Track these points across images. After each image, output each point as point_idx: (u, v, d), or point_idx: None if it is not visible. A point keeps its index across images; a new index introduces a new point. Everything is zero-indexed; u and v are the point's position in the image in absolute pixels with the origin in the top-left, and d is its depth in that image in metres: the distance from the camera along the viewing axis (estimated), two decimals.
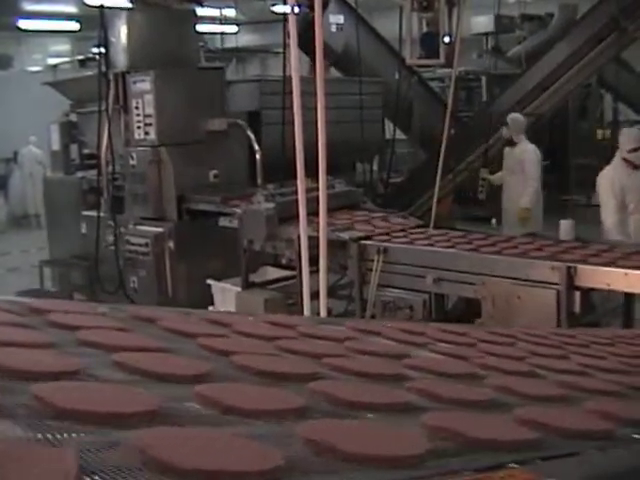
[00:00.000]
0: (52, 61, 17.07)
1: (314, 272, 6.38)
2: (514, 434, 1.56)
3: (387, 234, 6.11)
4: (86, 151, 9.86)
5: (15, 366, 2.02)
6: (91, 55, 11.50)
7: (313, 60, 7.27)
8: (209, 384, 2.05)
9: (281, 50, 13.44)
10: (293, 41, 4.31)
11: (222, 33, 17.51)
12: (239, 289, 6.61)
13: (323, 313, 4.23)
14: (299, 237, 6.13)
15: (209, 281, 6.90)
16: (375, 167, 11.60)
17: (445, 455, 1.44)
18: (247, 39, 18.41)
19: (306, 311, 4.27)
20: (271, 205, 6.54)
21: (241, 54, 18.27)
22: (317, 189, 4.70)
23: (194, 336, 2.75)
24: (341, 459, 1.42)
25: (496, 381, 2.13)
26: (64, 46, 19.40)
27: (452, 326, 3.27)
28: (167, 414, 1.75)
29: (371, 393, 1.98)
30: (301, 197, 4.41)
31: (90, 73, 9.29)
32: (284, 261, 6.62)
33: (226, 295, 6.71)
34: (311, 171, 4.50)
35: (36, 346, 2.32)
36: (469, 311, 5.86)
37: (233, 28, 18.61)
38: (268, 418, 1.79)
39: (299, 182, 4.38)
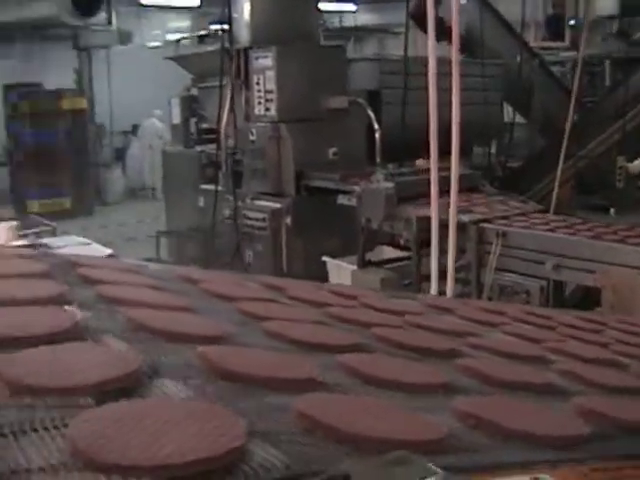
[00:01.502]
0: (170, 37, 17.32)
1: (427, 254, 6.37)
2: None
3: (506, 218, 6.03)
4: (204, 125, 10.00)
5: (180, 330, 2.06)
6: (210, 31, 11.62)
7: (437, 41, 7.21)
8: (356, 354, 2.06)
9: (399, 30, 13.38)
10: (430, 22, 4.26)
11: (341, 11, 17.51)
12: (355, 267, 6.62)
13: (450, 293, 4.21)
14: (418, 218, 6.12)
15: (325, 258, 6.93)
16: (492, 150, 11.45)
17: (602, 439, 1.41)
18: (365, 18, 18.34)
19: (433, 291, 4.26)
20: (391, 184, 6.52)
21: (359, 33, 18.24)
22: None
23: (326, 305, 2.77)
24: (501, 435, 1.40)
25: (564, 366, 2.09)
26: (183, 22, 19.66)
27: (539, 309, 3.22)
28: (323, 383, 1.76)
29: (516, 372, 1.96)
30: (434, 177, 4.38)
31: (211, 48, 9.39)
32: (401, 241, 6.59)
33: (341, 273, 6.72)
34: (428, 152, 4.48)
35: (189, 311, 2.37)
36: (587, 299, 5.75)
37: (352, 7, 18.60)
38: (418, 391, 1.80)
39: (432, 163, 4.35)
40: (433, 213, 4.55)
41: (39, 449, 1.39)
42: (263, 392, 1.67)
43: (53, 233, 5.75)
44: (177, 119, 10.17)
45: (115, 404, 1.51)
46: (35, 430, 1.41)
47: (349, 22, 17.84)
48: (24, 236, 4.72)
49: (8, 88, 16.17)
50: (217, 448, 1.26)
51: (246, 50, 8.20)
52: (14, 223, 3.87)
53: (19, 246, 3.28)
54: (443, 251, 4.83)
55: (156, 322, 2.13)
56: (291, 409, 1.50)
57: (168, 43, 16.61)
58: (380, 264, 6.81)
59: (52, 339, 1.82)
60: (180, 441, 1.29)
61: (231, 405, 1.55)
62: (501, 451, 1.33)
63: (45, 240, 5.21)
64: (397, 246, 6.96)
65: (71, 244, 5.54)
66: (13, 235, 3.72)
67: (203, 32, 11.86)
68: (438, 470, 1.10)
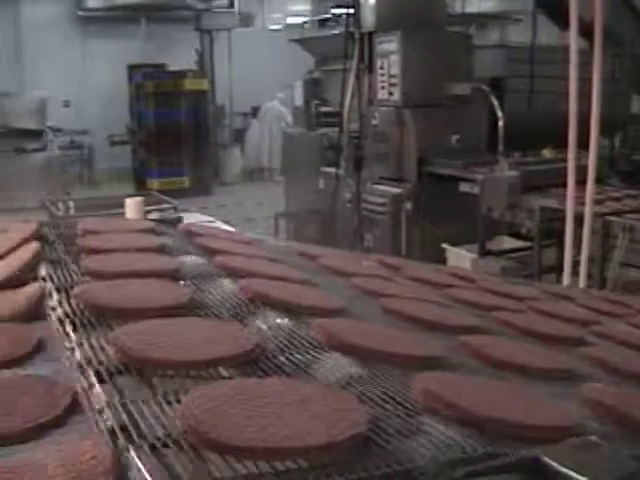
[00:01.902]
0: (291, 20, 17.38)
1: (548, 246, 6.27)
2: None
3: (635, 212, 5.89)
4: (324, 109, 10.03)
5: (298, 302, 2.09)
6: (332, 15, 11.62)
7: (563, 28, 7.08)
8: (479, 336, 2.05)
9: (520, 17, 13.15)
10: (573, 12, 4.17)
11: None
12: (474, 255, 6.57)
13: (582, 284, 4.15)
14: (542, 208, 6.04)
15: (444, 245, 6.89)
16: (617, 143, 11.16)
17: None
18: (488, 5, 18.07)
19: (566, 281, 4.20)
20: (515, 173, 6.45)
21: (481, 19, 17.96)
22: (562, 160, 4.59)
23: (444, 287, 2.76)
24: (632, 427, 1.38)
25: None
26: (304, 6, 19.69)
27: None
28: (444, 362, 1.76)
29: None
30: (571, 167, 4.30)
31: (336, 32, 9.40)
32: (523, 231, 6.52)
33: (461, 260, 6.68)
34: (553, 142, 4.39)
35: (307, 285, 2.39)
36: None
37: None
38: (543, 376, 1.78)
39: (570, 153, 4.27)
40: (569, 203, 4.47)
41: (152, 423, 1.43)
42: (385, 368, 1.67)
43: (175, 210, 5.86)
44: (299, 101, 10.22)
45: (231, 381, 1.52)
46: (152, 403, 1.44)
47: (471, 8, 17.61)
48: (148, 212, 4.81)
49: (133, 68, 16.51)
50: (337, 434, 1.26)
51: (371, 34, 8.19)
52: (141, 199, 3.95)
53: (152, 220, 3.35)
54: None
55: (274, 293, 2.15)
56: (416, 387, 1.49)
57: (288, 26, 16.68)
58: (500, 254, 6.75)
59: (169, 312, 1.90)
60: (298, 424, 1.30)
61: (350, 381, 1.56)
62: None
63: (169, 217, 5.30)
64: (517, 236, 6.88)
65: (194, 222, 5.65)
66: (140, 210, 3.80)
67: (325, 16, 11.86)
68: (625, 457, 1.09)
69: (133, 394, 1.44)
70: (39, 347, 1.93)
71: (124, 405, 1.39)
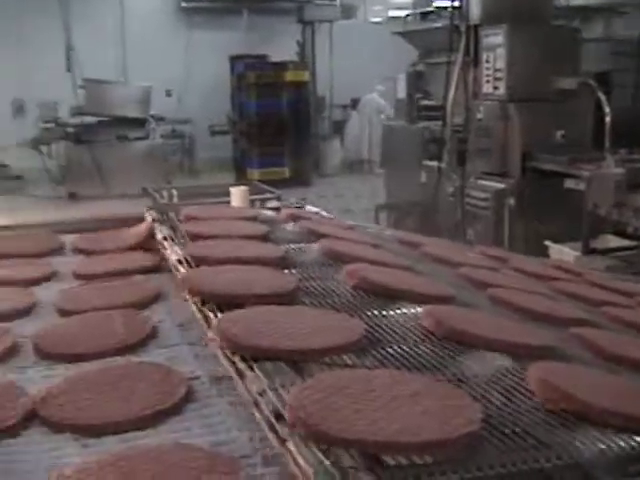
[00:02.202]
0: (392, 13, 17.29)
1: None
2: None
3: None
4: (425, 102, 9.96)
5: (413, 290, 2.07)
6: (434, 8, 11.52)
7: None
8: (591, 329, 2.01)
9: (628, 9, 12.81)
10: None
11: None
12: (578, 253, 6.45)
13: None
14: None
15: (547, 242, 6.78)
16: None
17: None
18: None
19: None
20: (621, 171, 6.31)
21: (586, 12, 17.60)
22: None
23: (551, 279, 2.71)
24: None
25: None
26: None
27: None
28: (558, 353, 1.73)
29: None
30: None
31: (440, 24, 9.32)
32: (629, 230, 6.37)
33: (564, 258, 6.56)
34: None
35: (411, 271, 2.37)
36: None
37: None
38: None
39: None
40: None
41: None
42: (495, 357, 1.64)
43: (278, 200, 5.89)
44: (402, 94, 10.17)
45: (339, 373, 1.51)
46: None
47: (577, 1, 17.27)
48: (251, 202, 4.85)
49: (235, 59, 16.65)
50: (451, 430, 1.25)
51: (476, 27, 8.09)
52: (246, 188, 3.98)
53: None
54: None
55: (381, 280, 2.15)
56: (531, 376, 1.46)
57: (390, 19, 16.62)
58: (605, 252, 6.60)
59: (274, 300, 1.93)
60: (409, 419, 1.29)
61: (462, 373, 1.53)
62: None
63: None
64: (623, 235, 6.73)
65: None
66: (245, 199, 3.83)
67: (428, 9, 11.76)
68: None
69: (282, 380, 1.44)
70: (153, 334, 1.97)
71: (276, 391, 1.39)
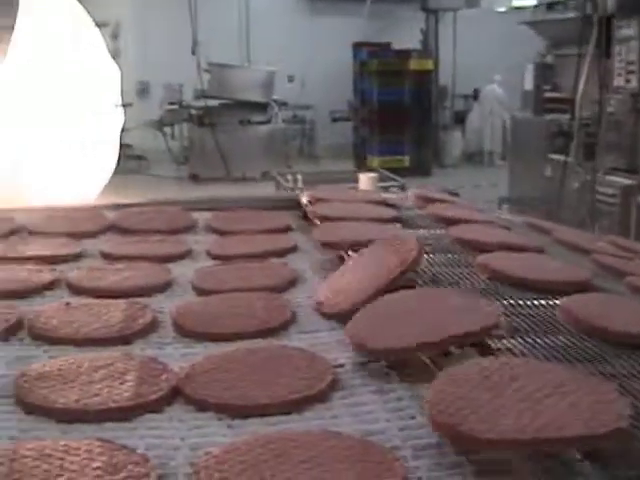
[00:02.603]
0: (517, 2, 17.00)
1: None
2: None
3: None
4: (550, 94, 9.76)
5: (546, 278, 2.01)
6: None
7: None
8: None
9: None
10: None
11: None
12: None
13: None
14: None
15: None
16: None
17: None
18: None
19: None
20: None
21: None
22: None
23: None
24: None
25: None
26: None
27: None
28: None
29: None
30: None
31: (572, 15, 9.10)
32: None
33: None
34: None
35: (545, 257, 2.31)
36: None
37: None
38: None
39: None
40: None
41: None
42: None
43: (402, 188, 5.87)
44: (529, 85, 9.99)
45: (477, 363, 1.44)
46: None
47: None
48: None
49: (357, 46, 16.65)
50: (597, 426, 1.19)
51: (609, 19, 7.87)
52: (375, 175, 3.97)
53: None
54: None
55: (513, 270, 2.09)
56: None
57: (514, 8, 16.35)
58: None
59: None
60: (555, 413, 1.23)
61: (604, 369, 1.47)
62: None
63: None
64: None
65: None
66: (373, 186, 3.82)
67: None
68: None
69: None
70: (293, 318, 1.95)
71: None
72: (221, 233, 2.87)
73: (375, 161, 14.90)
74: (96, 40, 4.77)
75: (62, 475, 1.19)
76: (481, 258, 2.17)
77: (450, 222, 2.64)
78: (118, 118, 4.96)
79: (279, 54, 15.91)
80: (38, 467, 1.22)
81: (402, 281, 1.96)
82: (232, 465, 1.23)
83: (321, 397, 1.50)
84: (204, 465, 1.24)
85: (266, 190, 8.91)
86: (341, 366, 1.63)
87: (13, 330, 1.89)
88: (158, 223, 2.94)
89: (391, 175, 7.29)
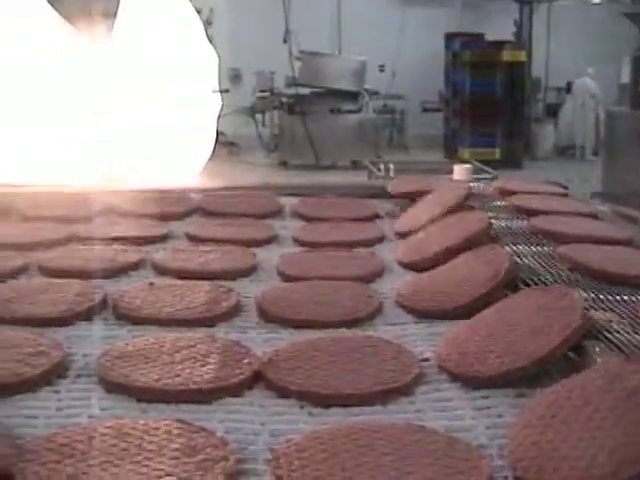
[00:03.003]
0: None
1: None
2: None
3: None
4: None
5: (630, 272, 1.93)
6: None
7: None
8: None
9: None
10: None
11: None
12: None
13: None
14: None
15: None
16: None
17: None
18: None
19: None
20: None
21: None
22: None
23: None
24: None
25: None
26: None
27: None
28: None
29: None
30: None
31: None
32: None
33: None
34: None
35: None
36: None
37: None
38: None
39: None
40: None
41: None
42: None
43: (494, 180, 5.79)
44: (626, 78, 9.76)
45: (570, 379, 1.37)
46: None
47: None
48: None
49: (450, 37, 16.49)
50: None
51: None
52: (469, 166, 3.92)
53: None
54: None
55: (595, 262, 2.03)
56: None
57: (610, 0, 16.06)
58: None
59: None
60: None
61: None
62: None
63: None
64: None
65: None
66: (468, 177, 3.78)
67: None
68: None
69: None
70: (380, 309, 1.92)
71: None
72: (308, 219, 2.85)
73: (466, 153, 14.73)
74: (196, 25, 4.81)
75: (140, 454, 1.18)
76: (562, 249, 2.13)
77: (531, 213, 2.61)
78: (215, 104, 5.00)
79: (370, 43, 15.83)
80: (116, 445, 1.20)
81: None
82: (313, 453, 1.20)
83: (406, 390, 1.46)
84: (284, 452, 1.21)
85: (356, 179, 8.89)
86: (427, 360, 1.59)
87: (97, 309, 1.89)
88: (245, 207, 2.93)
89: (484, 167, 7.21)
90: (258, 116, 15.95)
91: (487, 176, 6.46)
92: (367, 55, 15.02)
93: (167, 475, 1.12)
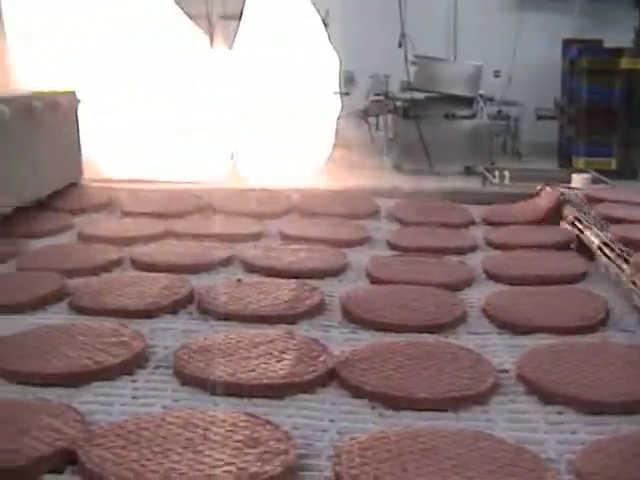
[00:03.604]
0: None
1: None
2: None
3: None
4: None
5: None
6: None
7: None
8: None
9: None
10: None
11: None
12: None
13: None
14: None
15: None
16: None
17: None
18: None
19: None
20: None
21: None
22: None
23: None
24: None
25: None
26: None
27: None
28: None
29: None
30: None
31: None
32: None
33: None
34: None
35: None
36: None
37: None
38: None
39: None
40: None
41: None
42: None
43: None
44: None
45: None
46: None
47: None
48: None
49: (567, 43, 16.20)
50: None
51: None
52: (588, 175, 3.86)
53: None
54: None
55: None
56: None
57: None
58: None
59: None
60: None
61: None
62: None
63: None
64: None
65: None
66: (586, 186, 3.73)
67: None
68: None
69: None
70: (464, 317, 1.91)
71: None
72: (403, 223, 2.84)
73: (580, 162, 14.43)
74: (318, 28, 4.86)
75: (203, 444, 1.20)
76: (637, 255, 2.10)
77: (615, 221, 2.57)
78: (335, 106, 5.06)
79: (485, 48, 15.66)
80: (181, 435, 1.23)
81: None
82: (376, 452, 1.21)
83: (480, 399, 1.45)
84: (347, 449, 1.22)
85: (469, 185, 8.83)
86: (505, 372, 1.57)
87: (182, 303, 1.93)
88: (341, 207, 2.94)
89: (602, 177, 7.12)
90: (371, 119, 15.97)
91: (605, 186, 6.36)
92: (482, 60, 14.89)
93: (226, 465, 1.14)
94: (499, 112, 16.49)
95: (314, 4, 5.47)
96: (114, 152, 4.33)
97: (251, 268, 2.24)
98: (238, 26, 4.43)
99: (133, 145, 4.54)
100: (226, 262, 2.30)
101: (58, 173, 3.08)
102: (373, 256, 2.39)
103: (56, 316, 1.88)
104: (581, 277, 2.20)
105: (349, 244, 2.53)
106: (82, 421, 1.29)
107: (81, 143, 3.26)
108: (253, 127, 4.50)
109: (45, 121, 2.87)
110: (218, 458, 1.16)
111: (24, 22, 4.30)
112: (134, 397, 1.45)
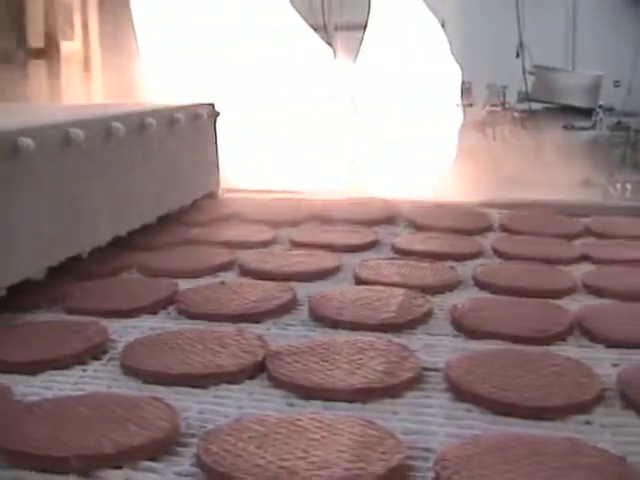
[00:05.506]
0: None
1: None
2: None
3: None
4: None
5: None
6: None
7: None
8: None
9: None
10: None
11: None
12: None
13: None
14: None
15: None
16: None
17: None
18: None
19: None
20: None
21: None
22: None
23: None
24: None
25: None
26: None
27: None
28: None
29: None
30: None
31: None
32: None
33: None
34: None
35: None
36: None
37: None
38: None
39: None
40: None
41: None
42: None
43: None
44: None
45: None
46: None
47: None
48: None
49: None
50: None
51: None
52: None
53: None
54: None
55: None
56: None
57: None
58: None
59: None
60: None
61: None
62: None
63: None
64: None
65: None
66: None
67: None
68: None
69: None
70: (571, 330, 1.90)
71: None
72: (513, 233, 2.85)
73: None
74: (441, 39, 4.87)
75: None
76: None
77: None
78: (458, 118, 5.08)
79: (604, 58, 15.39)
80: (290, 437, 1.29)
81: None
82: (479, 458, 1.23)
83: (583, 409, 1.46)
84: (450, 452, 1.25)
85: (587, 197, 8.68)
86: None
87: (287, 309, 2.02)
88: (449, 221, 2.94)
89: None
90: (488, 130, 15.85)
91: None
92: (601, 70, 14.63)
93: (333, 465, 1.19)
94: (618, 123, 16.17)
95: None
96: (246, 163, 4.43)
97: (358, 280, 2.29)
98: (362, 38, 4.48)
99: (263, 156, 4.62)
100: (336, 270, 2.37)
101: (197, 185, 3.16)
102: (479, 265, 2.42)
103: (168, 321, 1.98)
104: None
105: (461, 257, 2.55)
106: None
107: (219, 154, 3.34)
108: (375, 139, 4.53)
109: (187, 133, 2.96)
110: (325, 459, 1.20)
111: (156, 37, 4.43)
112: (251, 400, 1.53)
